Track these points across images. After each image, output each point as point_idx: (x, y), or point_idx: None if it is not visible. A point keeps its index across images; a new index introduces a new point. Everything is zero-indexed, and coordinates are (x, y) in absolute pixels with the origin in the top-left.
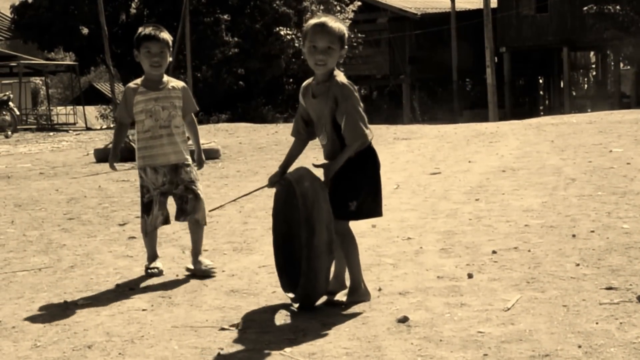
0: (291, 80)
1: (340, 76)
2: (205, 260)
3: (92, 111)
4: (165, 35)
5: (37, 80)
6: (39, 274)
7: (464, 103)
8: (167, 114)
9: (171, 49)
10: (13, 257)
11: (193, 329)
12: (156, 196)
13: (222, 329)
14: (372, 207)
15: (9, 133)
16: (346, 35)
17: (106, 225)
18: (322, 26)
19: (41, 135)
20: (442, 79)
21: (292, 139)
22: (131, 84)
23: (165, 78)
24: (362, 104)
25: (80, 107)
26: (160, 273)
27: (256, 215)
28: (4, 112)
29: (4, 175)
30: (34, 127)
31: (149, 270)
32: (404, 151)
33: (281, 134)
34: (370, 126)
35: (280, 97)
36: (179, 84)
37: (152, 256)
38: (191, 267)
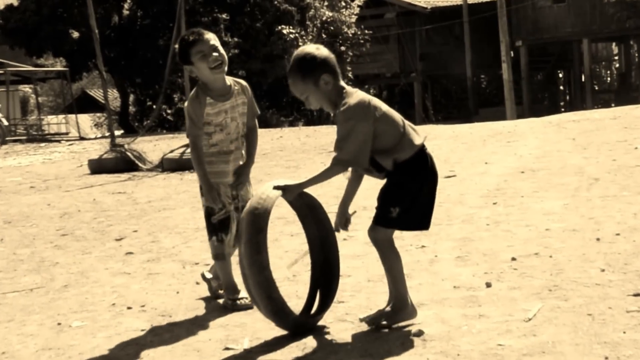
0: None
1: (349, 94)
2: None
3: (85, 119)
4: (209, 32)
5: (26, 88)
6: (31, 294)
7: (479, 101)
8: (235, 125)
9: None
10: (3, 277)
11: (195, 349)
12: (232, 212)
13: (227, 348)
14: (417, 218)
15: None
16: (317, 61)
17: (102, 240)
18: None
19: (32, 147)
20: (455, 75)
21: (295, 146)
22: (194, 98)
23: (228, 81)
24: (363, 124)
25: (72, 116)
26: (252, 305)
27: None
28: None
29: None
30: (24, 137)
31: (239, 302)
32: None
33: (286, 138)
34: None
35: (284, 99)
36: (242, 83)
37: (233, 285)
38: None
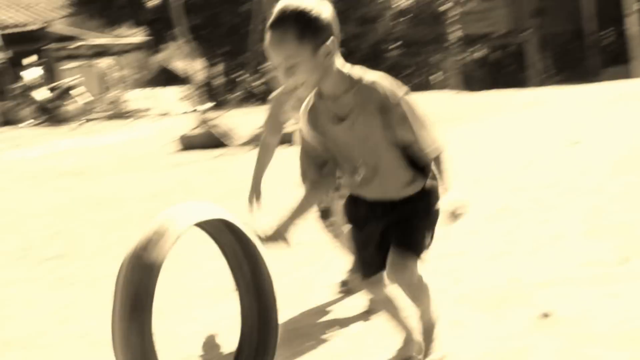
0: (395, 45)
1: (365, 72)
2: None
3: (169, 93)
4: None
5: (106, 61)
6: None
7: (603, 60)
8: None
9: None
10: (94, 262)
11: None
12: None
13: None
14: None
15: (78, 123)
16: (324, 20)
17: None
18: (268, 38)
19: (114, 124)
20: (574, 32)
21: None
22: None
23: None
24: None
25: (155, 90)
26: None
27: None
28: (70, 101)
29: (77, 171)
30: (106, 114)
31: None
32: (534, 119)
33: None
34: (493, 92)
35: (383, 65)
36: None
37: None
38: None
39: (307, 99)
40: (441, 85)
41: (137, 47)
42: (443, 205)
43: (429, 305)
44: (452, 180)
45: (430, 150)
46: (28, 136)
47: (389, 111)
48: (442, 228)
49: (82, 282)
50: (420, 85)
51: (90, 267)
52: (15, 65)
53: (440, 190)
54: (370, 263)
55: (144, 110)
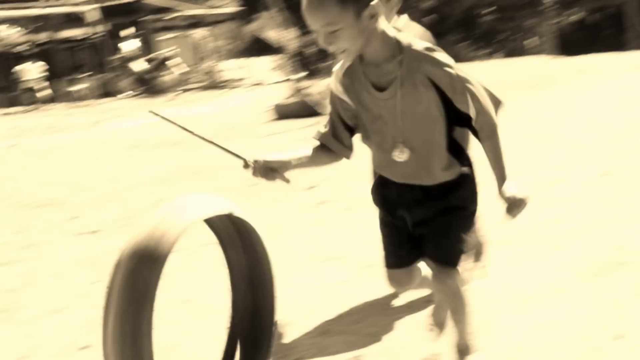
0: (489, 9)
1: (414, 39)
2: None
3: (262, 63)
4: None
5: (200, 32)
6: None
7: None
8: None
9: None
10: (196, 229)
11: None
12: None
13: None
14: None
15: (174, 94)
16: None
17: (291, 190)
18: (305, 1)
19: (209, 94)
20: None
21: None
22: None
23: None
24: None
25: (249, 60)
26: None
27: None
28: (166, 72)
29: (174, 141)
30: (201, 85)
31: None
32: (634, 84)
33: (483, 74)
34: (590, 56)
35: (477, 31)
36: None
37: None
38: None
39: (341, 62)
40: (536, 50)
41: (231, 18)
42: (500, 198)
43: (467, 324)
44: (506, 167)
45: (493, 123)
46: (127, 107)
47: (442, 83)
48: (536, 198)
49: (183, 250)
50: (514, 50)
51: (191, 234)
52: (113, 37)
53: (495, 179)
54: (395, 254)
55: (238, 80)
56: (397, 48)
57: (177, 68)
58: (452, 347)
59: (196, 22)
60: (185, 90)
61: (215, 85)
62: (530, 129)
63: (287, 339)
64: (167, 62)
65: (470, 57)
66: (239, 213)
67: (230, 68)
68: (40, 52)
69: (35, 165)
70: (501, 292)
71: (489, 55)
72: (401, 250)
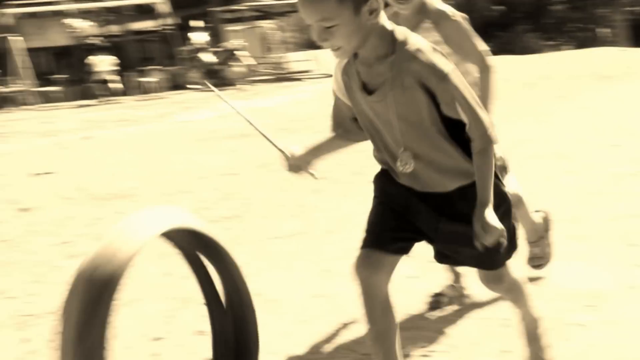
0: None
1: (409, 36)
2: None
3: (330, 55)
4: None
5: (267, 23)
6: (293, 240)
7: None
8: None
9: None
10: (266, 223)
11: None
12: None
13: None
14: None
15: (242, 86)
16: None
17: (358, 184)
18: None
19: (277, 86)
20: None
21: (564, 73)
22: None
23: None
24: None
25: (317, 52)
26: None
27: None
28: (235, 63)
29: (242, 133)
30: (268, 77)
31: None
32: None
33: (552, 65)
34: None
35: (547, 21)
36: None
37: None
38: None
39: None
40: (609, 41)
41: (297, 9)
42: (475, 222)
43: (529, 306)
44: (490, 193)
45: (485, 138)
46: (196, 99)
47: (431, 86)
48: (607, 190)
49: (253, 242)
50: (586, 40)
51: (260, 227)
52: (182, 28)
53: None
54: (379, 235)
55: (305, 72)
56: (391, 45)
57: (245, 60)
58: (521, 334)
59: (263, 14)
60: (253, 82)
61: (282, 76)
62: (602, 121)
63: (355, 334)
64: (235, 54)
65: (540, 47)
66: (200, 227)
67: (297, 60)
68: (111, 45)
69: (107, 157)
70: (573, 289)
71: (559, 46)
72: (386, 233)
